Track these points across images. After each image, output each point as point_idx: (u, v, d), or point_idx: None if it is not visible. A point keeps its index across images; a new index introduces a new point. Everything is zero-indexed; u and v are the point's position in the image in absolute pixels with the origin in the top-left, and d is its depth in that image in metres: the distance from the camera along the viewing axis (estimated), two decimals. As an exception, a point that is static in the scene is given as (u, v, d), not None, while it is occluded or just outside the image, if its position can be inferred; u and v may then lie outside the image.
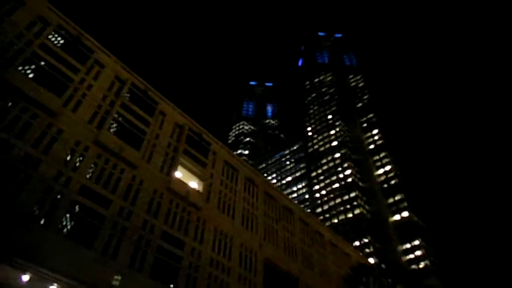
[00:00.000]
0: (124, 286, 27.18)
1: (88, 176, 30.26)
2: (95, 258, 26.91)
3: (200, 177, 41.91)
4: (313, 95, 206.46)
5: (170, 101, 43.67)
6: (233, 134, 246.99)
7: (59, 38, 34.28)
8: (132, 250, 30.22)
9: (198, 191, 40.36)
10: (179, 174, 40.53)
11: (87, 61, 35.02)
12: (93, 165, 31.04)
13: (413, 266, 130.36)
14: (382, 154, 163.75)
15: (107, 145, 32.30)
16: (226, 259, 39.00)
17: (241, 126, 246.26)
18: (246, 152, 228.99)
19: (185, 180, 40.27)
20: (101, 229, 28.76)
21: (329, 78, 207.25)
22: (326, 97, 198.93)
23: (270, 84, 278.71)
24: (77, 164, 29.88)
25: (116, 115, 35.07)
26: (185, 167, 40.99)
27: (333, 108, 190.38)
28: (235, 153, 54.74)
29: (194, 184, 41.84)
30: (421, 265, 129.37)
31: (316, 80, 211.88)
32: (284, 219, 52.84)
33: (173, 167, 38.68)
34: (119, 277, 26.28)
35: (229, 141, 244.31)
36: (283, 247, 48.91)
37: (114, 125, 35.82)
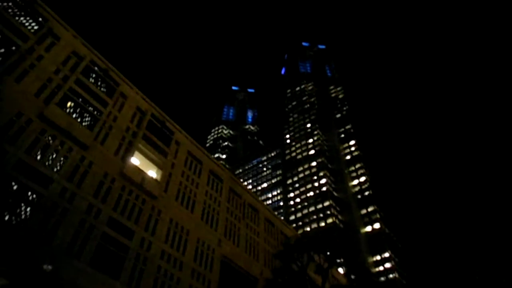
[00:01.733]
0: (58, 272, 24.83)
1: (26, 150, 27.67)
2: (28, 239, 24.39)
3: (159, 166, 39.81)
4: (294, 103, 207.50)
5: (151, 100, 42.32)
6: (212, 138, 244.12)
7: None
8: (72, 234, 27.78)
9: (155, 179, 38.23)
10: (136, 161, 38.37)
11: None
12: (34, 140, 28.47)
13: (382, 278, 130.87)
14: (357, 165, 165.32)
15: (54, 121, 29.91)
16: (180, 253, 36.81)
17: (220, 130, 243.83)
18: (224, 156, 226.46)
19: (143, 168, 38.12)
20: (38, 209, 26.26)
21: (310, 88, 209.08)
22: (306, 106, 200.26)
23: (252, 90, 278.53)
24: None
25: (68, 92, 32.66)
26: (143, 154, 38.84)
27: (312, 117, 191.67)
28: (213, 156, 52.59)
29: (153, 173, 39.72)
30: (390, 276, 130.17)
31: (298, 88, 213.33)
32: (248, 217, 51.12)
33: (129, 153, 36.47)
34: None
35: (208, 145, 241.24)
36: (245, 246, 47.05)
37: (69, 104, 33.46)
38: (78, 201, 29.43)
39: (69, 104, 33.43)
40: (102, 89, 36.02)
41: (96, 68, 36.21)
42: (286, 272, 21.18)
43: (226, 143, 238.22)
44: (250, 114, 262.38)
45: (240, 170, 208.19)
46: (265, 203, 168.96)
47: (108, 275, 29.07)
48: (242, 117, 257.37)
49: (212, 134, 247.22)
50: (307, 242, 23.91)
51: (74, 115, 32.10)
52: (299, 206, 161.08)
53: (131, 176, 35.14)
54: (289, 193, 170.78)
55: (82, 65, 34.54)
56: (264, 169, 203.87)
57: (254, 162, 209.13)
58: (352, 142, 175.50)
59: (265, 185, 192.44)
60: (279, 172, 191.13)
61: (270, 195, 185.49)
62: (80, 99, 33.29)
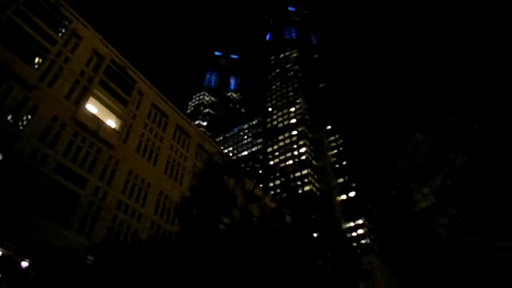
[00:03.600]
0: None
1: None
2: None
3: (119, 115, 37.36)
4: (277, 70, 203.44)
5: (141, 73, 40.03)
6: (193, 104, 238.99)
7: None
8: (12, 178, 25.69)
9: (113, 129, 35.95)
10: (94, 109, 35.79)
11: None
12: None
13: (354, 244, 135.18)
14: (337, 135, 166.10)
15: (-10, 54, 26.86)
16: (138, 205, 35.40)
17: (201, 97, 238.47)
18: (205, 123, 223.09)
19: (102, 117, 35.66)
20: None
21: (294, 55, 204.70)
22: (290, 74, 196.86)
23: (236, 56, 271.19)
24: None
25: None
26: (101, 101, 36.17)
27: (296, 86, 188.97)
28: (194, 123, 50.23)
29: (112, 123, 37.30)
30: (362, 242, 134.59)
31: (282, 55, 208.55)
32: (217, 175, 49.87)
33: (83, 98, 33.82)
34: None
35: (188, 111, 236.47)
36: (212, 203, 46.05)
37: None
38: (21, 145, 27.11)
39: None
40: (48, 25, 32.46)
41: (43, 3, 32.52)
42: (205, 191, 19.94)
43: (207, 110, 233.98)
44: (232, 81, 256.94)
45: (221, 138, 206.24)
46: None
47: (56, 223, 27.47)
48: (224, 84, 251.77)
49: (193, 100, 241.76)
50: (234, 163, 22.54)
51: (14, 50, 28.74)
52: (278, 174, 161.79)
53: (85, 122, 32.77)
54: (268, 162, 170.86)
55: (26, -4, 30.84)
56: (245, 137, 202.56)
57: (235, 130, 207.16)
58: (329, 127, 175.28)
59: (245, 153, 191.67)
60: (259, 140, 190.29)
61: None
62: (20, 32, 29.87)
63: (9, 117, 27.29)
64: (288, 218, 21.62)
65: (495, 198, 10.09)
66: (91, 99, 35.03)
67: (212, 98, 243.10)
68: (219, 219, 19.56)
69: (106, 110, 36.95)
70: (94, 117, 34.22)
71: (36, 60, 30.53)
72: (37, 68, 30.09)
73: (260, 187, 23.75)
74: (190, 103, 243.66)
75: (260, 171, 23.36)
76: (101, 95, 36.05)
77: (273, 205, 24.09)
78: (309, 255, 19.92)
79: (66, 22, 34.28)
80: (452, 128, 6.91)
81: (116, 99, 37.47)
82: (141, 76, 42.38)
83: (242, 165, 22.10)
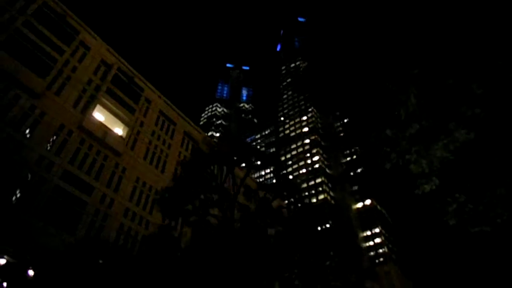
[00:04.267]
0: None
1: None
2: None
3: (126, 123, 37.49)
4: (288, 80, 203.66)
5: (152, 84, 40.83)
6: (206, 116, 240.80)
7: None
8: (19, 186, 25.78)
9: (120, 136, 36.00)
10: (101, 117, 36.03)
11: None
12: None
13: (372, 253, 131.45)
14: (351, 142, 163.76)
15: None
16: (146, 212, 35.06)
17: (214, 108, 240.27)
18: (218, 134, 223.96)
19: (109, 125, 35.83)
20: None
21: (305, 64, 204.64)
22: (301, 82, 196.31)
23: (247, 68, 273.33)
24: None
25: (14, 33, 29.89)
26: (108, 109, 36.41)
27: (307, 94, 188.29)
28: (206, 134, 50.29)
29: (119, 130, 37.42)
30: (380, 251, 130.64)
31: (293, 65, 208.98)
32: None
33: (90, 106, 34.06)
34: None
35: (201, 123, 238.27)
36: (221, 210, 45.41)
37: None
38: (26, 152, 27.28)
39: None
40: (56, 36, 33.03)
41: (48, 11, 33.18)
42: (190, 180, 19.17)
43: (220, 121, 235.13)
44: (244, 92, 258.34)
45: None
46: (258, 180, 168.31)
47: (63, 230, 27.31)
48: (236, 95, 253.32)
49: (206, 112, 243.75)
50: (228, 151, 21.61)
51: (21, 60, 29.24)
52: (302, 195, 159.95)
53: (92, 130, 32.92)
54: (281, 171, 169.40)
55: (33, 6, 31.56)
56: (258, 147, 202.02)
57: (248, 140, 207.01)
58: (346, 120, 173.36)
59: (258, 162, 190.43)
60: (272, 149, 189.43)
61: (263, 173, 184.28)
62: (28, 43, 30.44)
63: (16, 125, 27.55)
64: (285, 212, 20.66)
65: (509, 180, 9.12)
66: (98, 107, 35.28)
67: (225, 110, 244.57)
68: (207, 211, 18.85)
69: (113, 118, 37.15)
70: (101, 124, 34.37)
71: (43, 69, 30.97)
72: (44, 77, 30.46)
73: (253, 177, 22.93)
74: (203, 114, 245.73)
75: (253, 160, 22.58)
76: (108, 103, 36.29)
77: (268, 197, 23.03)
78: (312, 254, 18.94)
79: (73, 33, 34.86)
80: (452, 92, 6.11)
81: (123, 107, 37.67)
82: (148, 84, 42.63)
83: (234, 156, 21.28)
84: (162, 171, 39.59)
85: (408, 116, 6.45)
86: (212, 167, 20.92)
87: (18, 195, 25.90)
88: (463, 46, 5.99)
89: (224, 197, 19.27)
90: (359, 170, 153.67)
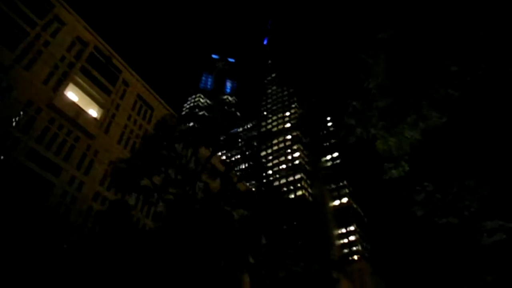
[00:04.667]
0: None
1: None
2: None
3: (101, 104, 36.07)
4: (273, 75, 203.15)
5: (134, 69, 39.21)
6: (188, 106, 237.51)
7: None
8: (-22, 161, 24.31)
9: (94, 118, 34.64)
10: (74, 96, 34.51)
11: None
12: None
13: (346, 250, 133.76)
14: (332, 141, 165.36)
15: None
16: (118, 197, 33.91)
17: (197, 99, 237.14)
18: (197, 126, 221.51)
19: (83, 105, 34.36)
20: None
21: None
22: (287, 78, 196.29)
23: (233, 60, 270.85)
24: None
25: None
26: (82, 89, 34.89)
27: (291, 90, 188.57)
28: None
29: (93, 112, 35.98)
30: (354, 249, 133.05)
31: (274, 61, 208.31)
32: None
33: (62, 84, 32.52)
34: None
35: (183, 113, 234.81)
36: (197, 200, 44.69)
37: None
38: (-10, 127, 25.73)
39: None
40: (29, 8, 31.22)
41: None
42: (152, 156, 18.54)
43: (202, 112, 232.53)
44: (229, 85, 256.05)
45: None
46: (237, 174, 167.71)
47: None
48: (220, 86, 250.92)
49: (189, 102, 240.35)
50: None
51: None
52: (271, 178, 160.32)
53: (63, 109, 31.44)
54: (262, 165, 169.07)
55: (6, -25, 29.64)
56: (239, 140, 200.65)
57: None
58: (328, 117, 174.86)
59: (239, 156, 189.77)
60: (254, 143, 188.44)
61: (243, 166, 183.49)
62: (-2, 12, 28.61)
63: (-21, 98, 25.94)
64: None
65: (478, 172, 8.92)
66: (72, 86, 33.76)
67: (208, 101, 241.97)
68: (166, 189, 18.22)
69: (88, 99, 35.66)
70: (73, 104, 32.93)
71: (13, 42, 29.24)
72: (13, 50, 28.78)
73: (220, 158, 22.24)
74: (185, 104, 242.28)
75: (221, 139, 22.02)
76: (82, 83, 34.78)
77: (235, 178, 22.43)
78: (279, 243, 18.66)
79: (47, 6, 33.08)
80: (425, 66, 5.72)
81: (99, 88, 36.21)
82: (127, 66, 41.17)
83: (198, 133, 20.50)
84: (137, 157, 38.43)
85: (377, 88, 6.05)
86: (177, 145, 20.18)
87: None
88: (436, 13, 5.62)
89: (186, 176, 18.63)
90: (334, 158, 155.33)
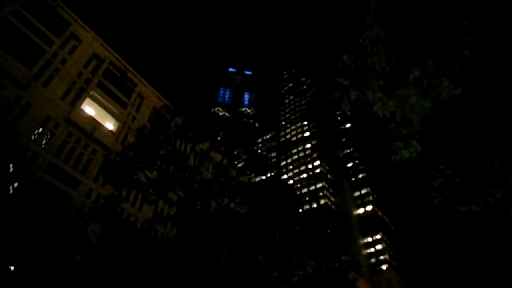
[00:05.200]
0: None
1: None
2: None
3: (117, 117, 36.66)
4: (290, 85, 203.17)
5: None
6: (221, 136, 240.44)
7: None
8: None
9: (110, 131, 35.17)
10: (91, 111, 35.26)
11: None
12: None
13: (373, 260, 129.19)
14: (353, 148, 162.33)
15: None
16: (135, 209, 34.04)
17: (215, 112, 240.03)
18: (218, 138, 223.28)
19: (100, 120, 35.05)
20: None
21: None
22: (303, 87, 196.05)
23: (249, 72, 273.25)
24: None
25: None
26: (98, 103, 35.63)
27: (309, 99, 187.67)
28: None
29: (110, 125, 36.60)
30: (381, 258, 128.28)
31: (295, 70, 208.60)
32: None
33: (80, 99, 33.29)
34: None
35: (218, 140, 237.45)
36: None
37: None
38: (10, 143, 26.44)
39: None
40: (46, 26, 32.39)
41: (37, 1, 32.57)
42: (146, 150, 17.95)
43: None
44: (246, 97, 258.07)
45: (235, 153, 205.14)
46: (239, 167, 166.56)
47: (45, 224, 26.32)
48: (238, 99, 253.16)
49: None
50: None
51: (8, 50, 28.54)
52: (300, 194, 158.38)
53: (80, 123, 32.10)
54: (282, 175, 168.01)
55: (24, -3, 30.98)
56: (259, 151, 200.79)
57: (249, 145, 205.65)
58: (348, 125, 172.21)
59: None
60: (273, 154, 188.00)
61: (264, 177, 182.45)
62: (16, 32, 29.75)
63: (-1, 115, 26.77)
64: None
65: (503, 152, 7.95)
66: (88, 100, 34.51)
67: (226, 114, 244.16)
68: (165, 186, 17.73)
69: (104, 112, 36.36)
70: (90, 118, 33.57)
71: (31, 60, 30.26)
72: (31, 68, 29.74)
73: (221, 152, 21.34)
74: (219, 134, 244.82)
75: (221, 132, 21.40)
76: (98, 97, 35.52)
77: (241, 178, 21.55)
78: (288, 243, 17.76)
79: (64, 24, 34.24)
80: (430, 18, 4.96)
81: (115, 101, 36.88)
82: (142, 79, 41.88)
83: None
84: (154, 168, 38.62)
85: (373, 42, 5.28)
86: (174, 140, 19.79)
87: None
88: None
89: (187, 172, 18.18)
90: (360, 176, 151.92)
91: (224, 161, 21.09)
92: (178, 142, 20.02)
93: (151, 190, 18.14)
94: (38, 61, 30.57)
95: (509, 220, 8.35)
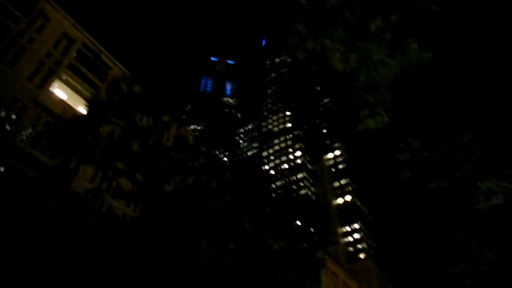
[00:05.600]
0: None
1: None
2: None
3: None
4: (273, 75, 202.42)
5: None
6: (188, 109, 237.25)
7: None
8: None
9: (82, 113, 33.75)
10: (63, 95, 33.78)
11: None
12: None
13: (351, 248, 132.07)
14: (332, 140, 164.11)
15: None
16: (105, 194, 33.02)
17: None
18: (200, 128, 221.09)
19: (73, 104, 33.59)
20: None
21: (290, 59, 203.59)
22: (286, 78, 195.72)
23: (232, 62, 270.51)
24: None
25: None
26: (70, 86, 34.11)
27: (291, 90, 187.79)
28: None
29: (82, 109, 35.13)
30: (359, 247, 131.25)
31: (277, 60, 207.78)
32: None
33: (49, 80, 31.76)
34: None
35: (184, 116, 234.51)
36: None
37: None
38: (-28, 124, 24.97)
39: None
40: (12, 4, 30.52)
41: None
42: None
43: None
44: (228, 87, 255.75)
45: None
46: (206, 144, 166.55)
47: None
48: (220, 89, 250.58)
49: (189, 105, 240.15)
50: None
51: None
52: (273, 179, 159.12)
53: (49, 106, 30.67)
54: (264, 165, 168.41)
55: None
56: (241, 141, 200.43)
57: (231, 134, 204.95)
58: (327, 100, 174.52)
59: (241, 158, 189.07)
60: (255, 144, 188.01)
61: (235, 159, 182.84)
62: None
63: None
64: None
65: (472, 125, 7.71)
66: (59, 83, 33.01)
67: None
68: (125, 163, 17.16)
69: (77, 97, 34.86)
70: (60, 101, 32.14)
71: (-5, 37, 28.53)
72: (-5, 45, 28.05)
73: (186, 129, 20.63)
74: (185, 108, 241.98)
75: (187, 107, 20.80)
76: (70, 80, 34.02)
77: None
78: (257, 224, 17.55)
79: (31, 1, 32.37)
80: None
81: (87, 84, 35.40)
82: (117, 62, 40.35)
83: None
84: (129, 154, 37.54)
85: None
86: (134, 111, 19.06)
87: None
88: None
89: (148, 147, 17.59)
90: (340, 167, 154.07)
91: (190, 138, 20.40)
92: (139, 115, 19.23)
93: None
94: (3, 40, 28.84)
95: (475, 197, 8.20)
